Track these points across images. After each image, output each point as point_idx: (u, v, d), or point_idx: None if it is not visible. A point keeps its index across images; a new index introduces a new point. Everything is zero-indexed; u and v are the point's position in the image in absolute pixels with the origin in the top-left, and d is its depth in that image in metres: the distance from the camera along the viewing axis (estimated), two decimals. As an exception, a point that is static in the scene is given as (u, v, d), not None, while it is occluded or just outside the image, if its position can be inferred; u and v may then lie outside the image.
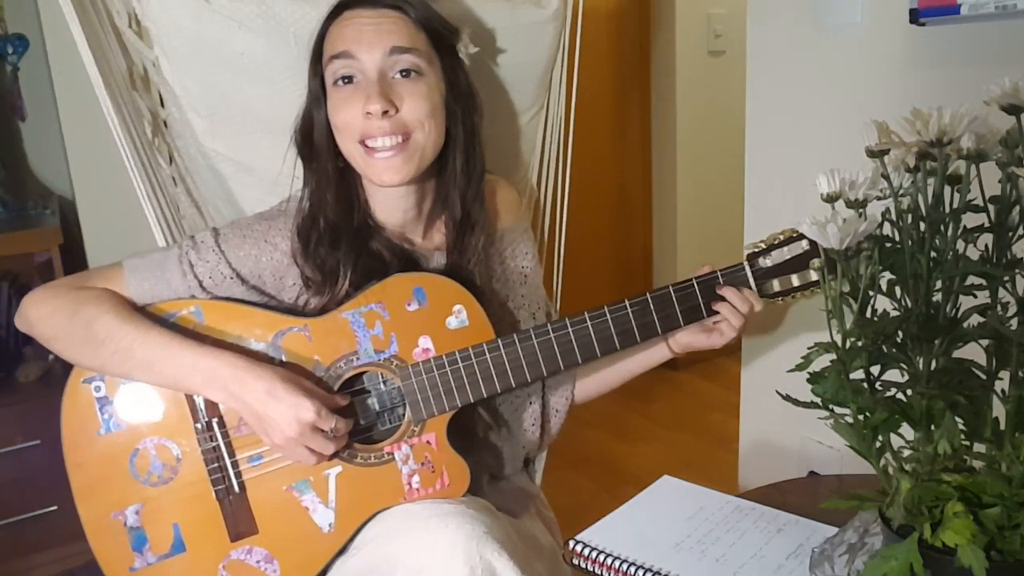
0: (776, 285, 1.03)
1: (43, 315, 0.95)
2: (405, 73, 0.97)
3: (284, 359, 0.97)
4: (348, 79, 0.98)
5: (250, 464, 0.97)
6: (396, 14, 0.99)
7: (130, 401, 0.96)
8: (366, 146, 0.97)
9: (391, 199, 1.03)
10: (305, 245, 1.00)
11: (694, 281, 1.01)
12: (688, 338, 1.06)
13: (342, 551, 0.97)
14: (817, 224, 0.65)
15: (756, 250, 1.02)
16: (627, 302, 0.99)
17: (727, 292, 1.01)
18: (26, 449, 1.85)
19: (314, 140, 1.03)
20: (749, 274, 1.02)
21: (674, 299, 1.00)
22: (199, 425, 0.96)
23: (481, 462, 1.11)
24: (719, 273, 1.02)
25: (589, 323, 0.98)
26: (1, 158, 2.30)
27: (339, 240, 1.00)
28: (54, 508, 1.84)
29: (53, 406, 0.96)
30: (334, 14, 1.01)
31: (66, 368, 0.97)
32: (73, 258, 2.12)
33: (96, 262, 2.10)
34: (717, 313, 1.01)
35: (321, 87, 1.01)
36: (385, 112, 0.95)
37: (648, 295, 1.00)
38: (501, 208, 1.14)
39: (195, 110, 1.15)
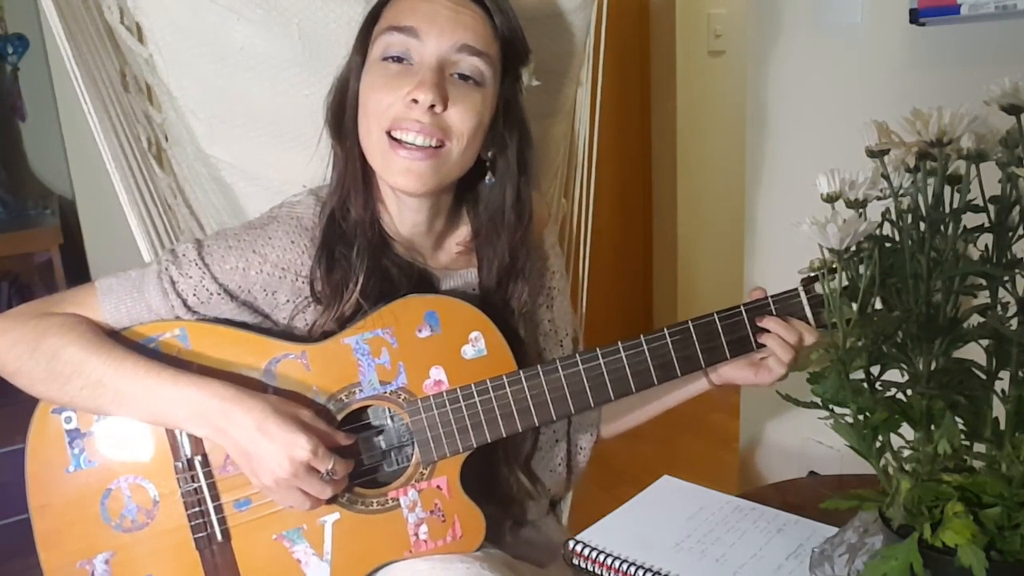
0: None
1: (1, 349, 0.85)
2: (464, 77, 0.86)
3: (278, 390, 0.87)
4: (399, 59, 0.86)
5: (236, 509, 0.86)
6: (480, 11, 0.88)
7: (104, 434, 0.86)
8: (392, 137, 0.85)
9: (404, 209, 0.92)
10: (323, 240, 0.89)
11: (742, 308, 0.90)
12: (732, 372, 0.95)
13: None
14: (817, 224, 0.65)
15: (812, 273, 0.88)
16: (666, 331, 0.88)
17: (770, 323, 0.89)
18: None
19: (345, 115, 0.91)
20: (805, 301, 0.90)
21: (720, 328, 0.89)
22: (180, 463, 0.85)
23: (501, 509, 1.00)
24: (771, 299, 0.90)
25: (623, 354, 0.88)
26: (1, 158, 2.31)
27: (353, 243, 0.89)
28: (54, 508, 1.83)
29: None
30: None
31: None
32: (73, 258, 2.12)
33: (96, 262, 2.11)
34: (765, 346, 0.90)
35: (363, 59, 0.89)
36: (432, 107, 0.83)
37: (690, 323, 0.88)
38: (535, 224, 1.02)
39: (193, 113, 1.08)
